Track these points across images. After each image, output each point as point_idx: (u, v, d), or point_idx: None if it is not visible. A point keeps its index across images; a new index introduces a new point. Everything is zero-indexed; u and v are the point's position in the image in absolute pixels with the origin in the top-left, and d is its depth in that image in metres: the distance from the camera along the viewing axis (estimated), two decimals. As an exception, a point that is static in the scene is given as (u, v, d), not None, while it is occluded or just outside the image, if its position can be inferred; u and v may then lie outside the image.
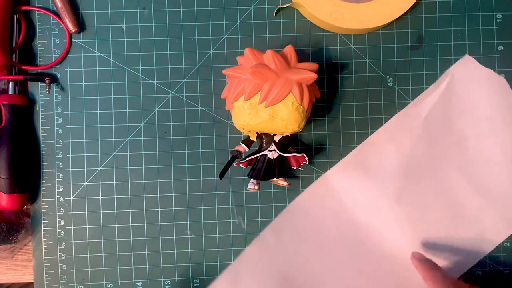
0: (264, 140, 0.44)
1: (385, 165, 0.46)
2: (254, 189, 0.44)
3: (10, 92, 0.46)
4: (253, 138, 0.45)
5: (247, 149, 0.45)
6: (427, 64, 0.47)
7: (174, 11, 0.47)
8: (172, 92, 0.47)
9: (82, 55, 0.47)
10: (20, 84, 0.47)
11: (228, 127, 0.47)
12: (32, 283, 0.49)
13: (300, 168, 0.45)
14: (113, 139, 0.47)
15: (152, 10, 0.47)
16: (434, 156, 0.46)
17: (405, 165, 0.46)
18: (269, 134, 0.44)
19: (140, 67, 0.47)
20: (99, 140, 0.47)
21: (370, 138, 0.46)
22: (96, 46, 0.47)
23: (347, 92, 0.47)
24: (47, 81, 0.46)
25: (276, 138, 0.44)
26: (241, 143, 0.45)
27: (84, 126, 0.47)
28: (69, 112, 0.47)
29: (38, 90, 0.47)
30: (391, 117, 0.47)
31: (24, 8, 0.46)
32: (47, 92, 0.47)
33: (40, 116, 0.47)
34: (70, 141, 0.47)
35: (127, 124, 0.47)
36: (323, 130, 0.47)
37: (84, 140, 0.47)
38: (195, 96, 0.47)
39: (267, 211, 0.47)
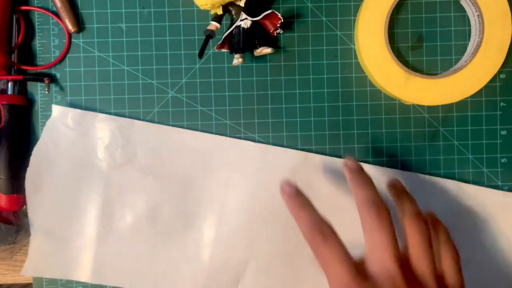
0: (233, 12, 0.43)
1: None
2: (238, 62, 0.44)
3: (9, 92, 0.46)
4: (220, 11, 0.43)
5: (218, 25, 0.44)
6: (427, 64, 0.47)
7: (173, 11, 0.47)
8: (172, 92, 0.47)
9: (81, 55, 0.47)
10: (19, 84, 0.46)
11: (228, 128, 0.47)
12: (31, 283, 0.48)
13: (279, 31, 0.44)
14: (113, 139, 0.47)
15: (152, 10, 0.47)
16: None
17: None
18: (234, 3, 0.43)
19: (140, 67, 0.47)
20: (98, 140, 0.47)
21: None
22: (96, 46, 0.47)
23: (347, 92, 0.47)
24: (46, 81, 0.46)
25: (241, 3, 0.43)
26: (211, 22, 0.44)
27: (84, 126, 0.47)
28: (69, 112, 0.47)
29: (37, 90, 0.47)
30: (391, 117, 0.47)
31: (23, 8, 0.46)
32: (47, 92, 0.47)
33: (40, 116, 0.47)
34: (69, 141, 0.47)
35: (127, 124, 0.47)
36: (323, 130, 0.47)
37: (84, 140, 0.47)
38: (195, 96, 0.47)
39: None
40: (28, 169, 0.46)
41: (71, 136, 0.46)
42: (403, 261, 0.35)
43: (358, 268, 0.34)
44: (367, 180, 0.38)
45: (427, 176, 0.46)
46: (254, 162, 0.46)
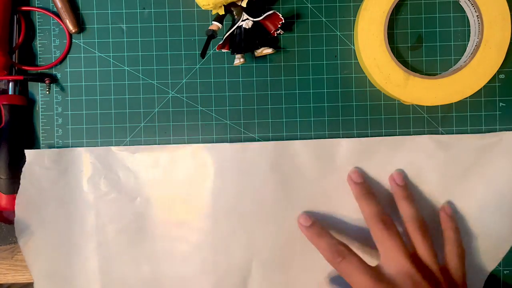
0: (234, 12, 0.44)
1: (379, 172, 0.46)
2: (239, 62, 0.44)
3: (10, 92, 0.46)
4: (222, 11, 0.44)
5: (220, 25, 0.44)
6: (427, 64, 0.47)
7: (174, 11, 0.47)
8: (172, 93, 0.47)
9: (82, 55, 0.47)
10: (20, 84, 0.47)
11: (228, 128, 0.47)
12: (32, 283, 0.49)
13: (280, 32, 0.45)
14: (113, 140, 0.47)
15: (152, 10, 0.47)
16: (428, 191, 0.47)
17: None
18: (236, 3, 0.43)
19: (140, 68, 0.47)
20: (99, 140, 0.47)
21: (395, 140, 0.46)
22: (96, 46, 0.47)
23: (347, 93, 0.47)
24: (47, 81, 0.46)
25: (244, 3, 0.43)
26: (213, 22, 0.44)
27: (84, 126, 0.47)
28: (69, 112, 0.47)
29: (38, 90, 0.47)
30: (391, 117, 0.47)
31: (24, 8, 0.46)
32: (47, 92, 0.47)
33: (40, 117, 0.47)
34: (70, 141, 0.47)
35: (127, 125, 0.47)
36: (323, 130, 0.47)
37: (84, 141, 0.47)
38: (195, 97, 0.47)
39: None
40: (15, 218, 0.46)
41: (51, 176, 0.46)
42: (414, 258, 0.41)
43: (378, 274, 0.40)
44: (370, 193, 0.44)
45: (403, 136, 0.46)
46: (234, 163, 0.46)
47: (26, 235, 0.46)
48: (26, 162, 0.46)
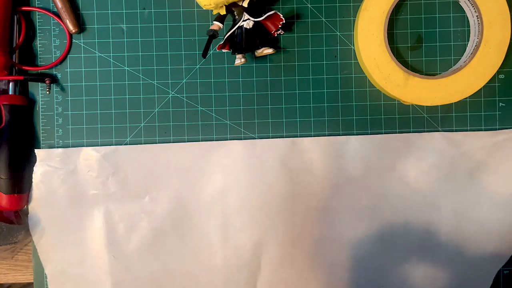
0: (235, 12, 0.44)
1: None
2: (240, 62, 0.44)
3: (10, 93, 0.46)
4: (223, 11, 0.44)
5: (221, 25, 0.44)
6: (427, 64, 0.47)
7: (174, 11, 0.47)
8: (172, 93, 0.47)
9: (82, 55, 0.47)
10: (20, 85, 0.47)
11: (228, 128, 0.47)
12: (32, 283, 0.49)
13: (280, 32, 0.45)
14: (113, 139, 0.47)
15: (152, 10, 0.47)
16: (436, 187, 0.46)
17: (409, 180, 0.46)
18: (237, 4, 0.43)
19: (140, 68, 0.47)
20: (99, 140, 0.47)
21: (408, 136, 0.46)
22: (96, 46, 0.47)
23: (347, 93, 0.47)
24: (47, 82, 0.46)
25: (245, 3, 0.43)
26: (214, 22, 0.44)
27: (84, 126, 0.47)
28: (69, 112, 0.47)
29: (38, 90, 0.47)
30: (391, 117, 0.47)
31: (24, 8, 0.46)
32: (47, 92, 0.47)
33: (40, 117, 0.47)
34: (70, 141, 0.47)
35: (127, 125, 0.47)
36: (323, 130, 0.47)
37: (84, 140, 0.47)
38: (195, 97, 0.47)
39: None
40: (29, 215, 0.47)
41: (61, 176, 0.47)
42: None
43: None
44: None
45: (414, 134, 0.46)
46: (244, 159, 0.46)
47: (39, 231, 0.47)
48: (37, 161, 0.46)
